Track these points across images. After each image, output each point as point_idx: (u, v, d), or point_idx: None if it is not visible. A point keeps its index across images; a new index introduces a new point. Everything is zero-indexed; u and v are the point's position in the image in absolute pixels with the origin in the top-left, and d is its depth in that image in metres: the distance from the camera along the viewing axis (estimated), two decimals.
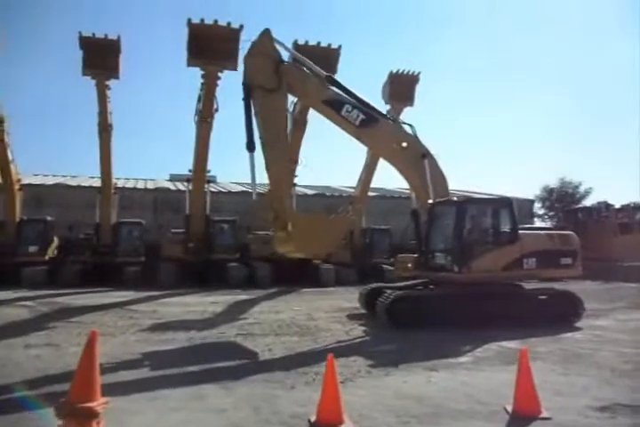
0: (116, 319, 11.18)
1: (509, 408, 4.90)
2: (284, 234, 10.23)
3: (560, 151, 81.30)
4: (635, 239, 25.90)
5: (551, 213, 45.12)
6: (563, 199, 44.39)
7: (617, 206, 31.15)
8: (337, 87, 11.26)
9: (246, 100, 10.47)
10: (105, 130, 20.65)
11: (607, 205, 31.12)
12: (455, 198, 11.24)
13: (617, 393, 5.56)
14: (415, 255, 11.79)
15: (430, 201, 11.80)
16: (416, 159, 11.52)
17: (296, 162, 16.86)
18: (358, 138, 11.89)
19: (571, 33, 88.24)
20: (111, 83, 20.13)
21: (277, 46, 10.91)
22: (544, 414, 4.77)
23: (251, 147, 10.42)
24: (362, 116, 11.24)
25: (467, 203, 11.22)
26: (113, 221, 22.42)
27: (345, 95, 11.29)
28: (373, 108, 11.65)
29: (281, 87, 10.56)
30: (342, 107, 11.17)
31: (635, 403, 5.19)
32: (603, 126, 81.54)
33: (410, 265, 11.47)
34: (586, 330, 9.81)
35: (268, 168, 10.39)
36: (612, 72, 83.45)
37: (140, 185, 31.45)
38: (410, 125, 11.84)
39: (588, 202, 41.12)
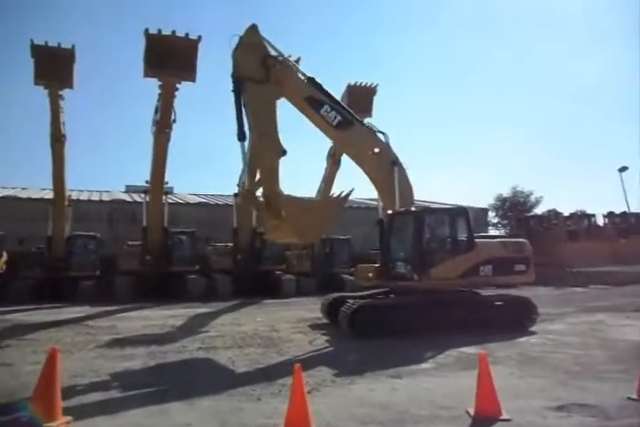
0: (73, 336, 10.82)
1: (471, 411, 5.06)
2: (278, 222, 10.36)
3: (512, 161, 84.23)
4: (582, 246, 27.11)
5: (504, 222, 46.58)
6: (515, 208, 45.93)
7: (565, 214, 32.56)
8: (318, 89, 11.56)
9: (236, 92, 10.72)
10: (58, 140, 20.04)
11: (556, 214, 32.49)
12: (413, 208, 11.50)
13: (571, 393, 5.82)
14: (376, 265, 11.96)
15: (389, 211, 12.05)
16: (386, 166, 11.79)
17: None
18: (333, 139, 12.41)
19: (528, 48, 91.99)
20: (65, 92, 19.63)
21: (264, 42, 11.16)
22: (504, 415, 4.95)
23: (241, 137, 10.68)
24: (339, 118, 11.56)
25: (424, 212, 11.50)
26: (66, 234, 21.71)
27: (325, 97, 11.62)
28: (350, 113, 12.02)
29: (269, 79, 10.84)
30: (322, 106, 11.47)
31: (587, 402, 5.44)
32: (553, 137, 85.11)
33: (371, 275, 11.62)
34: (540, 334, 10.18)
35: (258, 158, 10.57)
36: (565, 86, 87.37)
37: (95, 197, 30.60)
38: (383, 133, 12.16)
39: (538, 210, 42.78)
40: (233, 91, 10.74)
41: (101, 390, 6.42)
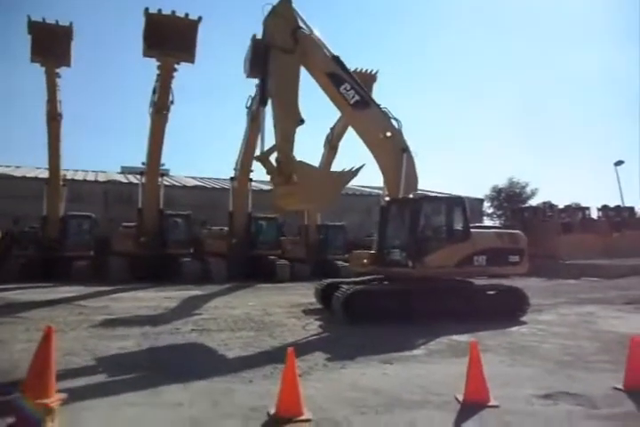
0: (66, 315, 10.87)
1: (460, 397, 5.13)
2: (287, 187, 10.59)
3: (509, 153, 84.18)
4: (576, 238, 27.25)
5: (500, 213, 46.74)
6: (511, 199, 46.05)
7: (560, 207, 32.68)
8: (341, 68, 11.79)
9: (264, 58, 11.20)
10: (54, 119, 19.93)
11: (551, 206, 32.59)
12: (411, 196, 11.51)
13: (559, 382, 5.90)
14: (371, 251, 12.00)
15: (387, 198, 12.05)
16: (396, 152, 11.86)
17: None
18: (348, 117, 12.90)
19: (522, 39, 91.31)
20: (61, 70, 19.41)
21: (295, 14, 11.54)
22: (492, 402, 5.02)
23: (263, 102, 11.25)
24: (357, 97, 11.75)
25: (422, 200, 11.50)
26: (61, 213, 21.66)
27: (347, 76, 11.87)
28: (368, 95, 12.34)
29: (296, 50, 11.20)
30: (342, 84, 11.71)
31: (574, 391, 5.52)
32: (550, 130, 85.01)
33: (366, 261, 11.66)
34: (531, 324, 10.27)
35: (276, 123, 10.85)
36: (560, 80, 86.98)
37: (91, 177, 30.45)
38: (397, 120, 12.23)
39: (533, 202, 42.93)
40: (262, 58, 11.30)
41: (95, 370, 6.47)
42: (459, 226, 11.26)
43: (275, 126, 10.87)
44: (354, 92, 11.75)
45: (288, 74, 11.11)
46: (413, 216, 11.04)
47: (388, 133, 11.90)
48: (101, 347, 7.77)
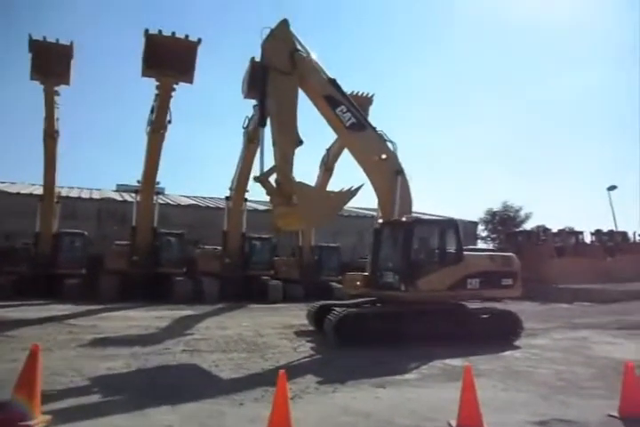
0: (55, 334, 10.71)
1: (453, 423, 5.05)
2: (287, 207, 10.63)
3: (504, 176, 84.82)
4: (569, 262, 27.31)
5: (493, 236, 46.86)
6: (505, 222, 46.25)
7: (554, 231, 32.85)
8: (338, 90, 12.00)
9: (262, 80, 11.38)
10: (51, 136, 19.98)
11: (545, 230, 32.80)
12: (404, 218, 11.55)
13: (553, 408, 5.84)
14: (364, 273, 11.96)
15: (380, 220, 12.08)
16: (390, 174, 11.97)
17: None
18: (344, 139, 13.08)
19: (517, 63, 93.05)
20: (60, 88, 19.55)
21: (293, 37, 11.76)
22: None
23: (262, 123, 11.37)
24: (353, 120, 11.94)
25: (415, 223, 11.52)
26: (54, 230, 21.53)
27: (343, 98, 12.06)
28: (364, 117, 12.56)
29: (294, 72, 11.40)
30: (338, 106, 11.88)
31: (568, 418, 5.46)
32: (544, 155, 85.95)
33: (359, 283, 11.61)
34: (524, 348, 10.20)
35: (275, 144, 10.94)
36: (554, 104, 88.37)
37: (85, 195, 30.37)
38: (392, 142, 12.45)
39: (527, 226, 43.13)
40: (260, 80, 11.56)
41: (81, 390, 6.35)
42: (452, 249, 11.27)
43: (274, 147, 10.95)
44: (350, 115, 11.90)
45: (286, 95, 11.24)
46: (406, 239, 11.04)
47: (384, 156, 12.02)
48: (89, 367, 7.63)
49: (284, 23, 11.60)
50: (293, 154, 10.93)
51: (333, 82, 11.92)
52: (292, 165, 10.86)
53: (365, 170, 12.19)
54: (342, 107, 11.86)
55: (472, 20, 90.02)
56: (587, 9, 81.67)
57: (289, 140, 10.94)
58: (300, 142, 10.95)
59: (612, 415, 5.48)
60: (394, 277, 11.05)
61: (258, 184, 10.84)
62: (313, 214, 10.90)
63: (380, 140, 12.26)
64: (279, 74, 11.18)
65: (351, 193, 10.90)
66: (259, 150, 11.35)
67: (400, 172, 12.04)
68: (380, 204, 12.47)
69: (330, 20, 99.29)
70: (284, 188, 10.59)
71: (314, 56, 11.96)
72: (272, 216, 11.63)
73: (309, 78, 11.72)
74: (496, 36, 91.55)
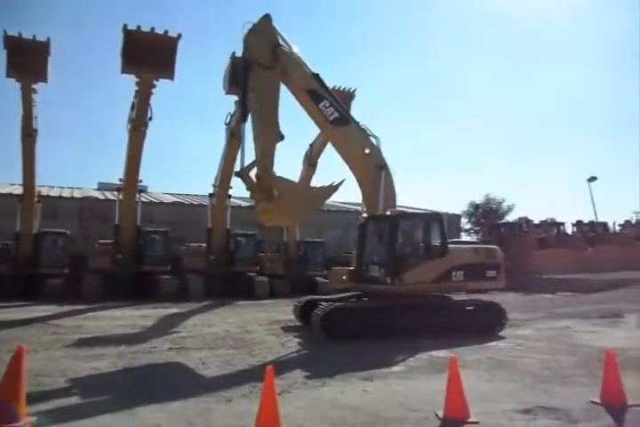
0: (39, 335, 10.57)
1: (440, 414, 5.12)
2: (268, 203, 10.57)
3: (486, 168, 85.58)
4: (551, 253, 27.74)
5: (477, 228, 47.32)
6: (488, 215, 46.72)
7: (536, 222, 33.28)
8: (321, 85, 11.94)
9: (244, 75, 11.38)
10: (29, 135, 19.63)
11: (527, 221, 33.19)
12: (388, 212, 11.60)
13: (537, 397, 5.94)
14: (350, 268, 12.00)
15: (364, 215, 12.13)
16: (374, 169, 12.00)
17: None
18: (327, 134, 13.10)
19: (498, 57, 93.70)
20: (38, 86, 19.21)
21: (275, 32, 11.68)
22: (472, 418, 5.02)
23: (244, 118, 11.39)
24: (336, 115, 11.92)
25: (400, 217, 11.59)
26: (35, 230, 21.21)
27: (326, 93, 12.02)
28: (347, 112, 12.51)
29: (276, 66, 11.32)
30: (321, 100, 11.85)
31: (553, 405, 5.56)
32: (525, 147, 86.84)
33: (344, 277, 11.65)
34: (509, 339, 10.35)
35: (256, 139, 10.88)
36: (535, 98, 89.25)
37: (66, 193, 29.95)
38: (375, 137, 12.42)
39: (510, 218, 43.64)
40: (242, 74, 11.54)
41: (67, 391, 6.28)
42: (436, 242, 11.36)
43: (255, 142, 10.91)
44: (333, 109, 11.89)
45: (268, 90, 11.21)
46: (391, 233, 11.10)
47: (367, 150, 12.05)
48: (75, 367, 7.56)
49: (267, 18, 11.55)
50: (274, 149, 10.89)
51: (316, 76, 11.90)
52: (272, 159, 10.83)
53: (349, 165, 12.20)
54: (325, 101, 11.84)
55: (459, 15, 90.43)
56: (576, 6, 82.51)
57: (270, 135, 10.90)
58: (282, 137, 10.91)
59: (594, 402, 5.59)
60: (380, 271, 11.11)
61: (240, 180, 10.81)
62: (294, 210, 10.85)
63: (364, 134, 12.28)
64: (261, 68, 11.13)
65: (333, 188, 10.90)
66: (240, 146, 11.33)
67: (384, 166, 12.09)
68: (364, 198, 12.51)
69: (313, 13, 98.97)
70: (264, 182, 10.56)
71: (296, 50, 11.91)
72: (255, 212, 11.61)
73: (292, 72, 11.68)
74: (483, 30, 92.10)
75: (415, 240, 11.57)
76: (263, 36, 11.44)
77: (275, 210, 10.79)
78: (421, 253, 11.25)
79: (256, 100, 11.11)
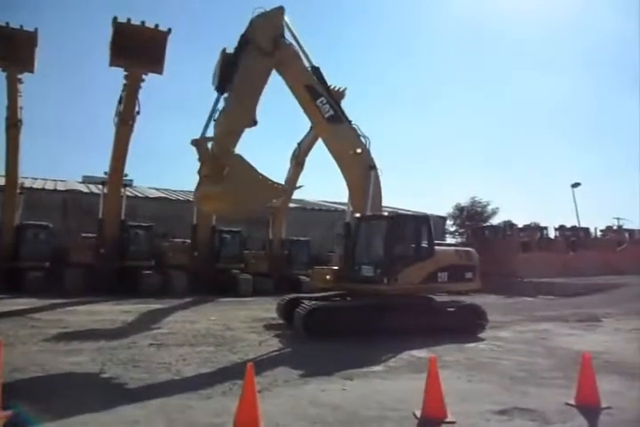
0: (17, 328, 10.44)
1: (418, 413, 5.17)
2: (212, 185, 10.16)
3: (473, 172, 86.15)
4: (534, 257, 28.05)
5: (462, 231, 47.60)
6: (472, 217, 47.04)
7: (520, 226, 33.63)
8: (320, 80, 11.97)
9: (237, 50, 11.28)
10: (13, 125, 19.34)
11: (511, 225, 33.52)
12: (386, 213, 11.70)
13: (514, 398, 6.03)
14: (334, 267, 11.98)
15: (357, 214, 12.14)
16: (363, 169, 12.08)
17: None
18: (321, 131, 12.97)
19: (484, 64, 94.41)
20: (24, 76, 18.94)
21: (284, 24, 11.77)
22: (449, 418, 5.08)
23: (219, 87, 11.14)
24: (331, 112, 11.99)
25: (397, 218, 11.70)
26: (17, 222, 20.91)
27: (324, 90, 12.02)
28: (342, 111, 12.51)
29: (273, 55, 11.36)
30: (319, 97, 11.89)
31: (529, 406, 5.65)
32: (512, 152, 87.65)
33: (328, 277, 11.61)
34: (489, 340, 10.46)
35: (227, 116, 10.68)
36: (521, 104, 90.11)
37: (50, 186, 29.50)
38: (366, 137, 12.49)
39: (495, 221, 44.02)
40: (235, 49, 11.39)
41: (45, 386, 6.24)
42: (424, 243, 11.47)
43: (224, 119, 10.64)
44: (329, 107, 11.95)
45: (257, 74, 11.16)
46: (389, 233, 11.16)
47: (358, 150, 12.10)
48: (53, 362, 7.49)
49: (280, 9, 11.66)
50: (242, 131, 10.68)
51: (317, 71, 11.91)
52: (237, 140, 10.57)
53: (339, 163, 12.24)
54: (322, 98, 11.88)
55: (442, 21, 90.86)
56: (555, 13, 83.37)
57: (243, 116, 10.75)
58: (255, 123, 10.70)
59: (568, 404, 5.69)
60: (375, 271, 11.08)
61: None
62: (240, 196, 10.14)
63: (356, 134, 12.34)
64: (257, 51, 11.10)
65: (285, 191, 10.80)
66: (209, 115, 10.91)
67: (373, 167, 12.18)
68: (351, 198, 12.55)
69: (306, 11, 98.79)
70: (218, 163, 10.16)
71: (303, 45, 11.94)
72: (195, 190, 10.97)
73: (290, 65, 11.68)
74: (468, 38, 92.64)
75: (410, 241, 11.65)
76: (270, 23, 11.46)
77: (219, 193, 10.15)
78: (414, 254, 11.34)
79: (240, 77, 10.92)
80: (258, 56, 11.08)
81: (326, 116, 11.89)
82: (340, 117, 12.14)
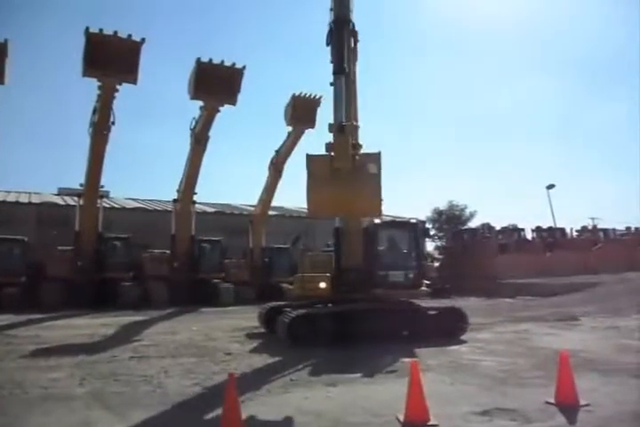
0: None
1: (401, 418, 5.20)
2: (350, 184, 10.37)
3: (450, 175, 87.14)
4: (512, 258, 28.47)
5: (441, 234, 48.09)
6: (451, 221, 47.59)
7: (497, 228, 34.13)
8: None
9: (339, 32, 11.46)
10: None
11: (489, 227, 33.99)
12: (413, 220, 12.17)
13: (495, 399, 6.09)
14: (325, 274, 11.77)
15: (377, 220, 12.09)
16: None
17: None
18: None
19: (461, 66, 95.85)
20: None
21: None
22: (432, 421, 5.11)
23: (341, 69, 11.03)
24: None
25: (420, 224, 12.32)
26: None
27: None
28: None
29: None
30: None
31: (509, 407, 5.71)
32: (487, 154, 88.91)
33: (324, 285, 11.41)
34: (470, 342, 10.56)
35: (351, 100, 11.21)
36: (496, 106, 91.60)
37: (24, 199, 29.00)
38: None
39: (473, 224, 44.57)
40: (333, 31, 11.59)
41: (23, 403, 6.08)
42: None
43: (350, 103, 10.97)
44: None
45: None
46: (415, 238, 11.68)
47: None
48: (31, 379, 7.32)
49: None
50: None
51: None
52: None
53: None
54: None
55: (423, 27, 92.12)
56: (531, 18, 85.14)
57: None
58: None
59: (548, 402, 5.77)
60: (406, 276, 11.29)
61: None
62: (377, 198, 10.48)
63: None
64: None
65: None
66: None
67: None
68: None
69: (301, 9, 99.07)
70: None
71: None
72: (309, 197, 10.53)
73: None
74: (447, 40, 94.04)
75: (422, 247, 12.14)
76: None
77: (360, 195, 10.32)
78: (424, 259, 11.84)
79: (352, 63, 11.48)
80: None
81: None
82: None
